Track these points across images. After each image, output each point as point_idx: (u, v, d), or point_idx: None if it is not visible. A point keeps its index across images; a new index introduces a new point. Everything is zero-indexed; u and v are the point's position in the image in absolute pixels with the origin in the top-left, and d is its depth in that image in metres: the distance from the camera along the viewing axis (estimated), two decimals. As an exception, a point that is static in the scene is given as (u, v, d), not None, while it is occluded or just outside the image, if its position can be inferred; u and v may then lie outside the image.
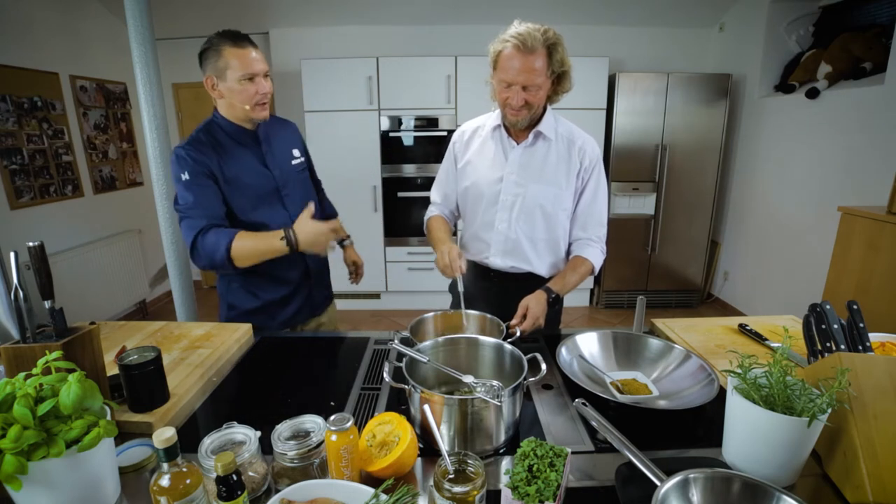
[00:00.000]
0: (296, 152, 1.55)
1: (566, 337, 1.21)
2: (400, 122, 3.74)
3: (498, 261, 1.48)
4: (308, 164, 1.64)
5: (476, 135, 1.50)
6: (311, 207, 1.24)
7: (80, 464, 0.70)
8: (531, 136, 1.40)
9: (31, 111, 3.06)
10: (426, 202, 1.67)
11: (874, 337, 1.04)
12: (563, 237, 1.47)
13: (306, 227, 1.25)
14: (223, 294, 1.52)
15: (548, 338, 1.36)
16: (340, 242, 1.76)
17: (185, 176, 1.30)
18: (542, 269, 1.48)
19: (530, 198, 1.41)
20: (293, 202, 1.47)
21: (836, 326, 0.96)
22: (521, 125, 1.37)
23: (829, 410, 0.73)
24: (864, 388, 0.77)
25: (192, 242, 1.30)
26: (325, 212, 1.76)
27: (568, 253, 1.50)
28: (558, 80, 1.33)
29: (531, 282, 1.43)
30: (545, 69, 1.25)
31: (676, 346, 1.16)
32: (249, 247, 1.27)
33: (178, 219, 1.34)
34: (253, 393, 1.16)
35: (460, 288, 1.32)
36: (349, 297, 4.10)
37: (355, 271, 1.76)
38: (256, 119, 1.38)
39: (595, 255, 1.43)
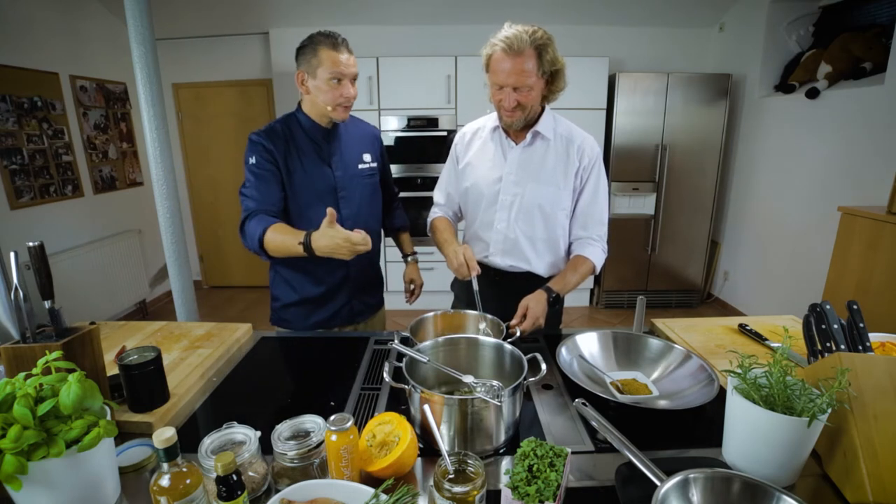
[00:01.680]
0: (367, 157, 1.55)
1: (566, 337, 1.21)
2: (400, 122, 3.74)
3: (497, 260, 1.49)
4: (381, 171, 1.62)
5: (476, 136, 1.51)
6: (333, 214, 1.21)
7: (80, 464, 0.70)
8: (529, 136, 1.40)
9: (31, 111, 3.06)
10: (426, 202, 1.67)
11: (874, 337, 1.04)
12: (562, 236, 1.47)
13: (323, 236, 1.22)
14: (271, 284, 1.56)
15: (548, 338, 1.36)
16: (405, 258, 1.78)
17: (252, 160, 1.38)
18: (540, 269, 1.48)
19: (528, 197, 1.41)
20: (349, 204, 1.49)
21: (836, 326, 0.96)
22: (516, 126, 1.37)
23: (829, 410, 0.73)
24: (864, 388, 0.77)
25: (241, 225, 1.36)
26: (395, 224, 1.76)
27: (568, 252, 1.50)
28: (552, 79, 1.32)
29: (531, 281, 1.43)
30: (535, 70, 1.25)
31: (676, 346, 1.16)
32: (278, 242, 1.29)
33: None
34: (253, 393, 1.16)
35: (475, 287, 1.32)
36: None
37: (412, 290, 1.75)
38: (335, 119, 1.42)
39: (596, 254, 1.43)
